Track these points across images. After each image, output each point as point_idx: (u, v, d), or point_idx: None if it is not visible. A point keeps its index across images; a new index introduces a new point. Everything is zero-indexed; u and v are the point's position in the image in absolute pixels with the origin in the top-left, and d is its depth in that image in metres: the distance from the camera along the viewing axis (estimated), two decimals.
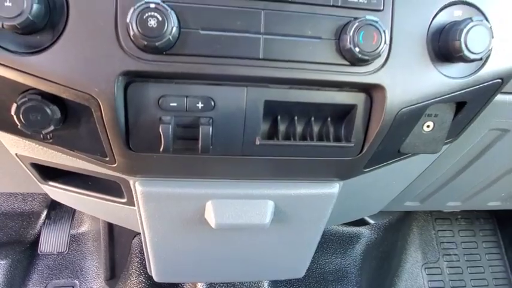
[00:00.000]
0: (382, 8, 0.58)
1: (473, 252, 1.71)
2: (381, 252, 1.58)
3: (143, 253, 1.36)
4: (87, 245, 1.58)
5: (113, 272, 1.43)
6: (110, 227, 1.45)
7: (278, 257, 0.89)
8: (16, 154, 0.77)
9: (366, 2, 0.58)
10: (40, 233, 1.57)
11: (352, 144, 0.65)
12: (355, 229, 1.52)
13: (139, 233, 1.39)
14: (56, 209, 1.55)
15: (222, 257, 0.87)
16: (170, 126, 0.58)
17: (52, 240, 1.50)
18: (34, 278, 1.51)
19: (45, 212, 1.58)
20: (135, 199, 0.76)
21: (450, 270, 1.66)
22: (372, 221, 1.51)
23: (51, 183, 0.87)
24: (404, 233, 1.65)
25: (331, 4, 0.57)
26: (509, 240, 1.73)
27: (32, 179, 0.88)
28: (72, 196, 0.90)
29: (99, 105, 0.56)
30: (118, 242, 1.45)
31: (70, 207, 1.54)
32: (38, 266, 1.54)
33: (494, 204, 1.21)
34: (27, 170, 0.83)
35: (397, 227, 1.61)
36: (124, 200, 0.83)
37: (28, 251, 1.55)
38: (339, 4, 0.57)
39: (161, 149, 0.59)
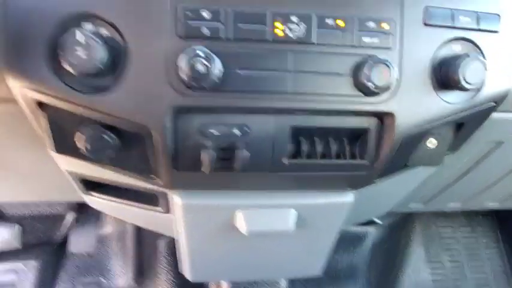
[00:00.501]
0: (391, 47, 0.68)
1: (473, 247, 1.81)
2: (387, 249, 1.69)
3: (170, 254, 1.46)
4: (112, 246, 1.69)
5: (141, 271, 1.54)
6: (138, 228, 1.55)
7: (298, 258, 0.99)
8: (67, 170, 0.87)
9: (378, 42, 0.67)
10: (67, 235, 1.67)
11: (366, 162, 0.75)
12: (363, 229, 1.63)
13: (165, 235, 1.50)
14: (83, 212, 1.65)
15: (248, 258, 0.97)
16: (211, 150, 0.68)
17: (81, 242, 1.61)
18: (63, 277, 1.62)
19: (70, 214, 1.68)
20: (172, 209, 0.86)
21: (451, 264, 1.77)
22: (379, 221, 1.62)
23: (93, 193, 0.97)
24: (408, 230, 1.75)
25: (349, 45, 0.67)
26: (507, 235, 1.83)
27: (70, 188, 0.98)
28: (110, 204, 1.00)
29: (152, 134, 0.66)
30: (145, 243, 1.56)
31: (97, 210, 1.64)
32: (67, 265, 1.64)
33: (492, 205, 1.31)
34: (73, 183, 0.93)
35: (401, 225, 1.72)
36: (160, 209, 0.93)
37: (56, 252, 1.65)
38: (355, 44, 0.67)
39: (203, 169, 0.69)
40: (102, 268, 1.63)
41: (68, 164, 0.83)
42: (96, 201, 1.02)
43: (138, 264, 1.55)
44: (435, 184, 1.11)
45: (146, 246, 1.56)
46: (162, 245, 1.50)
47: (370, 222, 1.62)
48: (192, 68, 0.60)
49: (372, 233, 1.66)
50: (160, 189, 0.83)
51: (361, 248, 1.62)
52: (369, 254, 1.63)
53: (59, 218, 1.68)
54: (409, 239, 1.74)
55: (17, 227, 1.45)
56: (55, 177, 0.97)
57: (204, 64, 0.60)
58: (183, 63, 0.60)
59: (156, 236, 1.52)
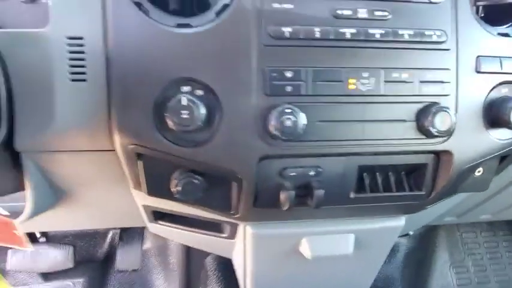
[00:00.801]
0: (449, 94, 0.76)
1: (495, 251, 1.90)
2: (417, 257, 1.78)
3: (219, 271, 1.55)
4: (151, 260, 1.77)
5: (189, 287, 1.63)
6: (186, 246, 1.63)
7: (352, 276, 1.08)
8: (143, 205, 0.95)
9: (437, 90, 0.75)
10: (111, 251, 1.75)
11: (424, 193, 0.83)
12: (397, 240, 1.72)
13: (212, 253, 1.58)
14: (125, 229, 1.73)
15: (306, 279, 1.06)
16: (290, 191, 0.76)
17: (126, 258, 1.69)
18: None
19: (114, 232, 1.76)
20: (242, 237, 0.94)
21: (475, 268, 1.86)
22: (411, 232, 1.71)
23: (160, 222, 1.05)
24: (434, 237, 1.84)
25: (412, 94, 0.75)
26: None
27: (133, 216, 1.06)
28: (173, 231, 1.08)
29: (238, 178, 0.74)
30: (192, 258, 1.64)
31: (139, 227, 1.72)
32: (111, 281, 1.72)
33: None
34: (143, 213, 1.01)
35: (428, 233, 1.81)
36: (225, 235, 1.01)
37: (101, 268, 1.73)
38: (417, 93, 0.75)
39: (283, 208, 0.77)
40: (145, 283, 1.71)
41: (146, 200, 0.91)
42: (159, 228, 1.10)
43: (186, 280, 1.63)
44: (471, 201, 1.19)
45: (194, 262, 1.64)
46: (210, 261, 1.59)
47: (403, 234, 1.71)
48: (282, 123, 0.68)
49: (404, 243, 1.75)
50: (232, 220, 0.91)
51: (395, 258, 1.72)
52: (402, 263, 1.73)
53: (102, 236, 1.75)
54: (435, 245, 1.83)
55: (70, 248, 1.52)
56: (123, 208, 1.05)
57: (292, 120, 0.68)
58: (273, 119, 0.68)
59: (204, 253, 1.60)
